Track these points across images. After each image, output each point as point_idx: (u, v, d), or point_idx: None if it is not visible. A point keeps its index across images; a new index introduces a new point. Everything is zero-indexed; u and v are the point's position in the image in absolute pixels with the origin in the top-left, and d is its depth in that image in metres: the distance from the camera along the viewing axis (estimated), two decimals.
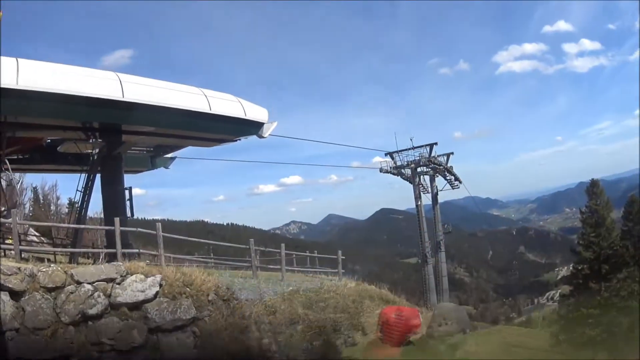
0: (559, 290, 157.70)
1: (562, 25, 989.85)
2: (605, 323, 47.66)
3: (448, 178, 77.10)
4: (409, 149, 71.67)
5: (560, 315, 58.47)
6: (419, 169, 72.47)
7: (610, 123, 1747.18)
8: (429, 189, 76.18)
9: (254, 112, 27.90)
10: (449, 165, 74.88)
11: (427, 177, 75.74)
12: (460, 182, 78.84)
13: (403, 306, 6.11)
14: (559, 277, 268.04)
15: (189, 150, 35.98)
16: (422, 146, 71.37)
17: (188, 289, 17.37)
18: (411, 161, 71.42)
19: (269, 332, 17.42)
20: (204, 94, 26.04)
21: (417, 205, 73.62)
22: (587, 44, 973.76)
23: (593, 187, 52.67)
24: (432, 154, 70.99)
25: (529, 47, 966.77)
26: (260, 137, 28.92)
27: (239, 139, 30.95)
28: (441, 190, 77.71)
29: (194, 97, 25.58)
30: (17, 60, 20.11)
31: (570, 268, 60.69)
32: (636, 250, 55.38)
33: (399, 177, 73.18)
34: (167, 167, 37.65)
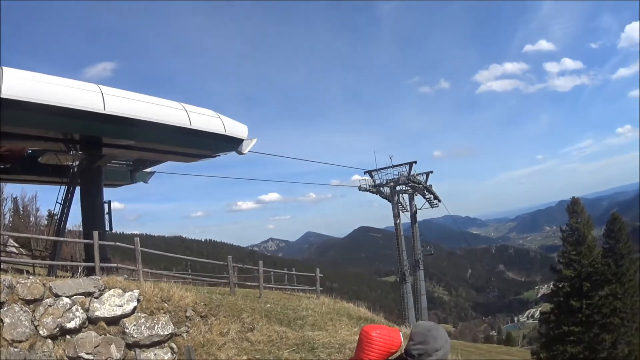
0: (540, 308, 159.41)
1: (544, 45, 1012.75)
2: (588, 340, 48.00)
3: (427, 197, 77.76)
4: (388, 167, 72.25)
5: (541, 333, 59.03)
6: (398, 188, 72.93)
7: (592, 142, 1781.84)
8: (408, 208, 76.65)
9: (234, 128, 27.84)
10: (428, 183, 75.51)
11: (406, 196, 76.36)
12: (439, 201, 79.52)
13: (383, 324, 6.00)
14: (539, 295, 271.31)
15: (168, 165, 35.95)
16: (401, 165, 72.05)
17: (166, 304, 17.27)
18: (390, 179, 71.87)
19: (247, 349, 17.33)
20: (184, 108, 25.93)
21: (395, 224, 74.00)
22: (569, 63, 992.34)
23: (574, 205, 53.24)
24: (412, 173, 71.50)
25: (510, 67, 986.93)
26: (240, 153, 28.86)
27: (219, 155, 30.89)
28: (420, 209, 78.45)
29: (174, 112, 25.47)
30: (1, 68, 19.99)
31: (551, 286, 61.22)
32: (618, 268, 55.99)
33: (378, 195, 73.60)
34: (146, 182, 37.59)
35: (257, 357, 16.94)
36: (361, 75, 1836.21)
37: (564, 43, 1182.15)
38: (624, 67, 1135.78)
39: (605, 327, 49.26)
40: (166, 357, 15.73)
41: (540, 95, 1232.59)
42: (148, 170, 36.30)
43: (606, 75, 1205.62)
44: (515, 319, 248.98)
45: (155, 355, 15.60)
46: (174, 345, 16.17)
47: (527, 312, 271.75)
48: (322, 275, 31.45)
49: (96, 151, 26.82)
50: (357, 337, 4.77)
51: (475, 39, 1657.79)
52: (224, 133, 26.87)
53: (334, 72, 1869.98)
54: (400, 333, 4.74)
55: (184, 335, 16.87)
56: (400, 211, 74.33)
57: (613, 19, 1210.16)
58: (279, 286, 33.28)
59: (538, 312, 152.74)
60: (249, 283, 29.72)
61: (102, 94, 22.31)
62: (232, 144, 28.18)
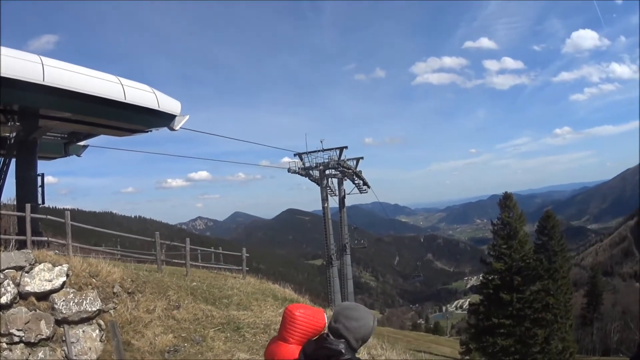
0: (469, 299, 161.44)
1: (485, 43, 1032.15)
2: (519, 334, 48.97)
3: (356, 182, 77.94)
4: (319, 150, 71.83)
5: (470, 324, 59.92)
6: (327, 172, 72.59)
7: (528, 140, 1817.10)
8: (337, 192, 76.67)
9: (167, 103, 27.63)
10: (358, 169, 75.48)
11: (335, 180, 76.18)
12: (368, 187, 79.79)
13: (308, 305, 6.06)
14: (468, 286, 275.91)
15: (101, 140, 35.61)
16: (332, 149, 71.65)
17: (94, 280, 17.31)
18: (320, 163, 71.46)
19: (173, 327, 17.52)
20: (120, 82, 25.75)
21: (323, 207, 73.90)
22: (510, 62, 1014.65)
23: (506, 200, 54.17)
24: (342, 158, 71.30)
25: (449, 61, 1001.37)
26: (172, 129, 28.69)
27: (151, 130, 30.77)
28: (349, 194, 78.57)
29: (110, 85, 25.26)
30: None
31: (481, 278, 61.83)
32: (551, 264, 57.35)
33: (307, 178, 73.21)
34: (79, 155, 37.14)
35: (182, 335, 17.13)
36: (300, 58, 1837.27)
37: (506, 43, 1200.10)
38: (567, 71, 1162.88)
39: (538, 322, 50.18)
40: (94, 334, 15.67)
41: (478, 91, 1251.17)
42: (81, 143, 35.84)
43: (547, 77, 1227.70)
44: (444, 308, 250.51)
45: (83, 332, 15.54)
46: (101, 322, 16.16)
47: (456, 302, 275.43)
48: (248, 255, 31.64)
49: (33, 122, 26.59)
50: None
51: (416, 32, 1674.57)
52: (157, 108, 26.66)
53: (274, 54, 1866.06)
54: (325, 315, 4.93)
55: (112, 311, 16.90)
56: (329, 195, 74.03)
57: (561, 24, 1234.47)
58: (206, 265, 33.31)
59: (467, 303, 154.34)
60: (176, 261, 29.86)
61: (42, 64, 22.18)
62: (164, 119, 27.94)
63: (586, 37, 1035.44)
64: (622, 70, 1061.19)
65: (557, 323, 53.19)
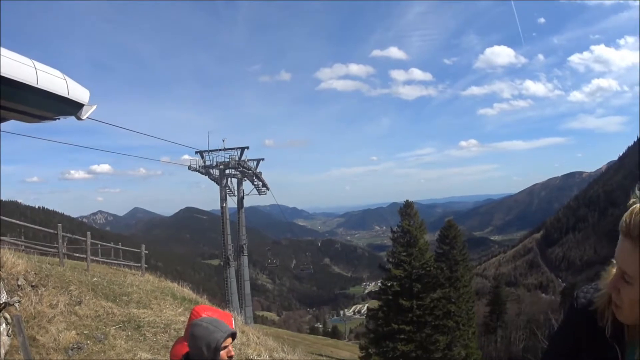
0: (367, 305, 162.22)
1: (394, 52, 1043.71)
2: (420, 340, 49.71)
3: (256, 183, 78.17)
4: (220, 149, 71.70)
5: (369, 328, 60.31)
6: (227, 171, 72.55)
7: (432, 150, 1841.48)
8: (236, 192, 76.91)
9: (77, 91, 27.22)
10: (258, 170, 75.78)
11: (234, 180, 76.28)
12: (267, 189, 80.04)
13: (217, 308, 6.17)
14: (367, 291, 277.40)
15: (9, 125, 35.19)
16: (233, 148, 71.55)
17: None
18: (220, 162, 71.34)
19: (75, 323, 17.57)
20: (34, 66, 25.53)
21: (222, 207, 73.90)
22: (418, 73, 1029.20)
23: (407, 208, 54.53)
24: (243, 158, 71.45)
25: (355, 68, 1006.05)
26: (79, 118, 28.27)
27: (59, 118, 30.53)
28: (247, 195, 78.70)
29: (24, 68, 25.03)
30: None
31: (379, 284, 62.21)
32: (452, 273, 58.24)
33: (207, 176, 73.06)
34: None
35: (85, 332, 17.18)
36: (211, 55, 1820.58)
37: (416, 54, 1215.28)
38: (477, 86, 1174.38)
39: (439, 329, 50.78)
40: (1, 328, 15.23)
41: (383, 100, 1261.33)
42: None
43: (456, 91, 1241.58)
44: (341, 312, 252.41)
45: None
46: (7, 316, 15.65)
47: (354, 307, 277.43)
48: (147, 252, 31.84)
49: None
50: (182, 318, 5.21)
51: (325, 37, 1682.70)
52: (66, 96, 26.55)
53: (186, 48, 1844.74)
54: (233, 319, 5.11)
55: (17, 305, 16.42)
56: (228, 195, 74.06)
57: (478, 39, 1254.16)
58: (106, 260, 33.13)
59: (365, 308, 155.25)
60: (77, 255, 29.73)
61: None
62: (73, 107, 27.46)
63: (500, 54, 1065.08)
64: (536, 87, 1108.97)
65: (460, 330, 53.80)
